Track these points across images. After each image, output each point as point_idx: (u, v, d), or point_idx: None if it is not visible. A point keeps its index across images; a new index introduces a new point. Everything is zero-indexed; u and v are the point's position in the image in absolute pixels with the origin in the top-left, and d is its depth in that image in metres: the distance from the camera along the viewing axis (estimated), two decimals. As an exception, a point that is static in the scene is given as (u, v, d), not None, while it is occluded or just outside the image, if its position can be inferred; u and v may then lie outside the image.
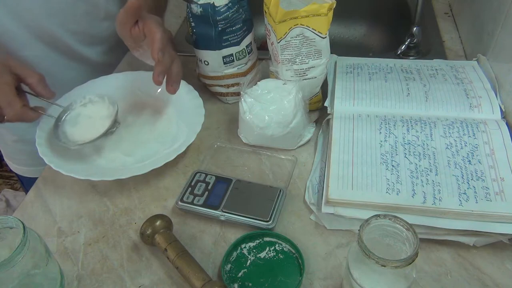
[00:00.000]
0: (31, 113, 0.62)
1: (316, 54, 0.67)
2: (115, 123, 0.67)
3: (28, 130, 0.75)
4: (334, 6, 0.63)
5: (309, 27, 0.63)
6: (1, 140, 0.93)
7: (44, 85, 0.63)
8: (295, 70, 0.68)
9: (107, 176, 0.63)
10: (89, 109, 0.69)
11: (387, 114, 0.69)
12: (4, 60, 0.61)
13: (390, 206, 0.56)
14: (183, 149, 0.65)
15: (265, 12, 0.66)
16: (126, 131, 0.70)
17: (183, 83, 0.74)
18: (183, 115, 0.72)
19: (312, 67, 0.68)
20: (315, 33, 0.64)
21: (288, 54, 0.67)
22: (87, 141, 0.65)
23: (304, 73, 0.69)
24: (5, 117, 0.61)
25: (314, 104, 0.75)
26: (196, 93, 0.74)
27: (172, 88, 0.66)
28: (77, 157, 0.67)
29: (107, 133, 0.66)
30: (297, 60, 0.67)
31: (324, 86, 0.76)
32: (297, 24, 0.63)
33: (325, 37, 0.65)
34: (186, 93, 0.74)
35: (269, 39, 0.69)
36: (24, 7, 0.72)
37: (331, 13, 0.63)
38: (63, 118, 0.68)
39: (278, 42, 0.65)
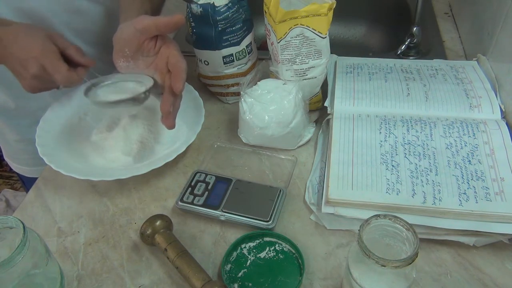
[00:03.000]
0: (76, 75, 0.64)
1: (316, 54, 0.67)
2: (145, 93, 0.65)
3: (30, 130, 0.75)
4: (334, 6, 0.63)
5: (309, 27, 0.63)
6: (2, 140, 0.93)
7: (82, 54, 0.66)
8: (295, 70, 0.68)
9: (107, 176, 0.63)
10: (128, 82, 0.68)
11: (387, 114, 0.69)
12: (48, 32, 0.64)
13: (390, 206, 0.56)
14: (183, 149, 0.65)
15: (265, 12, 0.66)
16: (126, 131, 0.70)
17: (188, 87, 0.74)
18: (183, 115, 0.72)
19: (312, 67, 0.68)
20: (315, 33, 0.64)
21: (288, 54, 0.67)
22: (112, 101, 0.63)
23: (304, 73, 0.69)
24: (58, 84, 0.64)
25: (314, 104, 0.75)
26: (196, 93, 0.74)
27: (173, 122, 0.63)
28: (78, 157, 0.67)
29: (136, 100, 0.64)
30: (297, 60, 0.67)
31: (324, 86, 0.76)
32: (297, 24, 0.63)
33: (325, 37, 0.65)
34: (186, 93, 0.73)
35: (269, 39, 0.69)
36: (27, 5, 0.72)
37: (331, 13, 0.63)
38: (100, 84, 0.68)
39: (278, 42, 0.65)
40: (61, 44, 0.64)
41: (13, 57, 0.62)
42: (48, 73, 0.62)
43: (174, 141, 0.68)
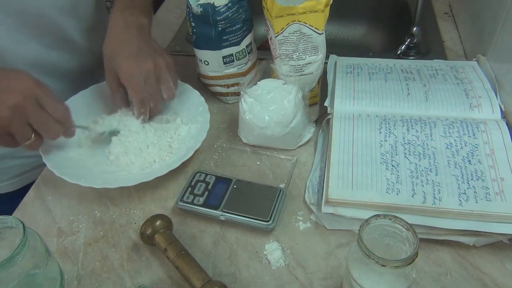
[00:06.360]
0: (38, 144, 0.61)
1: (313, 50, 0.67)
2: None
3: None
4: (331, 2, 0.64)
5: (306, 24, 0.64)
6: None
7: (66, 119, 0.62)
8: (292, 65, 0.69)
9: (109, 183, 0.62)
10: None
11: (387, 114, 0.69)
12: (31, 88, 0.57)
13: (390, 206, 0.56)
14: (189, 155, 0.65)
15: (264, 7, 0.67)
16: (132, 138, 0.70)
17: (194, 93, 0.74)
18: (190, 121, 0.72)
19: (309, 63, 0.69)
20: (312, 29, 0.64)
21: (285, 49, 0.67)
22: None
23: (301, 69, 0.69)
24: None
25: (311, 99, 0.75)
26: (202, 98, 0.73)
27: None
28: (79, 163, 0.67)
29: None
30: (294, 56, 0.68)
31: (324, 84, 0.76)
32: (295, 20, 0.64)
33: (322, 33, 0.66)
34: (194, 98, 0.74)
35: (268, 34, 0.70)
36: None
37: (327, 9, 0.64)
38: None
39: (276, 37, 0.66)
40: (46, 104, 0.59)
41: None
42: (39, 106, 0.57)
43: (180, 148, 0.68)
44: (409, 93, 0.71)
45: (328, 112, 0.71)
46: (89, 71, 0.85)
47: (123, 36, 0.67)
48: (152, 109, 0.69)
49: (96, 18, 0.81)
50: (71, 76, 0.81)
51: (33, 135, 0.59)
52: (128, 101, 0.70)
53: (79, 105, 0.73)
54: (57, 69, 0.79)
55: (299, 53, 0.67)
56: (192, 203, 0.60)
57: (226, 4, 0.68)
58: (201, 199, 0.60)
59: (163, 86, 0.68)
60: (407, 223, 0.42)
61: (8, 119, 0.55)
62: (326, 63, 0.78)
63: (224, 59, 0.73)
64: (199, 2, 0.68)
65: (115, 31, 0.68)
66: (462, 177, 0.58)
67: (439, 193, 0.57)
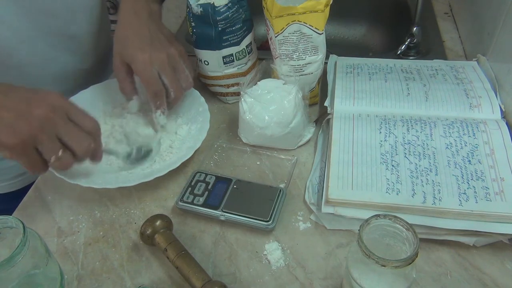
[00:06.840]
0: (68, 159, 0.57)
1: (313, 50, 0.67)
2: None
3: None
4: (331, 2, 0.64)
5: (306, 24, 0.64)
6: None
7: (96, 131, 0.59)
8: (292, 65, 0.69)
9: (109, 184, 0.62)
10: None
11: (387, 114, 0.69)
12: (59, 100, 0.56)
13: (390, 206, 0.56)
14: (189, 155, 0.65)
15: (264, 7, 0.67)
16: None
17: (195, 93, 0.74)
18: (190, 121, 0.72)
19: (309, 63, 0.69)
20: (312, 29, 0.65)
21: (285, 49, 0.67)
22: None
23: (301, 69, 0.69)
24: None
25: (311, 99, 0.75)
26: (203, 98, 0.73)
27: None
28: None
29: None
30: (294, 56, 0.68)
31: (324, 84, 0.76)
32: (295, 20, 0.64)
33: (322, 33, 0.66)
34: (194, 99, 0.74)
35: (268, 34, 0.70)
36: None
37: (327, 9, 0.64)
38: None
39: (276, 37, 0.66)
40: (76, 119, 0.57)
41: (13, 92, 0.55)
42: (68, 118, 0.55)
43: (180, 148, 0.68)
44: (409, 93, 0.71)
45: (328, 112, 0.71)
46: (91, 72, 0.85)
47: (134, 23, 0.66)
48: (174, 99, 0.67)
49: (99, 18, 0.82)
50: (73, 77, 0.81)
51: (60, 151, 0.56)
52: (136, 89, 0.69)
53: (79, 105, 0.72)
54: (60, 69, 0.78)
55: (299, 53, 0.67)
56: (192, 203, 0.60)
57: (226, 4, 0.68)
58: (201, 199, 0.60)
59: (180, 75, 0.67)
60: (407, 223, 0.42)
61: (37, 130, 0.53)
62: (326, 63, 0.78)
63: (224, 59, 0.73)
64: (199, 2, 0.68)
65: (126, 18, 0.66)
66: (462, 177, 0.58)
67: (439, 193, 0.57)
